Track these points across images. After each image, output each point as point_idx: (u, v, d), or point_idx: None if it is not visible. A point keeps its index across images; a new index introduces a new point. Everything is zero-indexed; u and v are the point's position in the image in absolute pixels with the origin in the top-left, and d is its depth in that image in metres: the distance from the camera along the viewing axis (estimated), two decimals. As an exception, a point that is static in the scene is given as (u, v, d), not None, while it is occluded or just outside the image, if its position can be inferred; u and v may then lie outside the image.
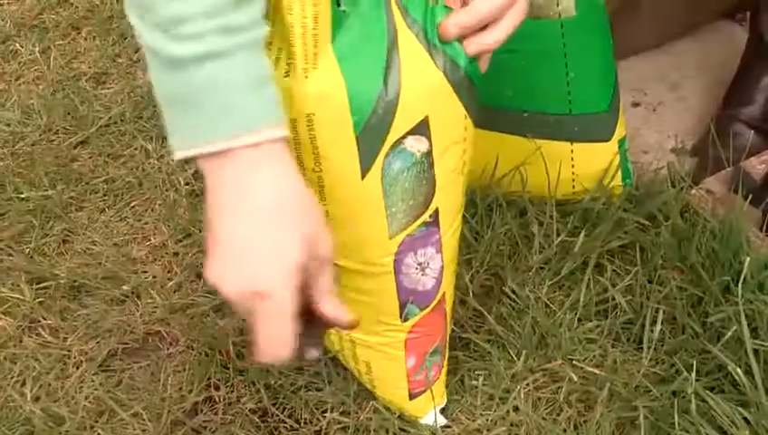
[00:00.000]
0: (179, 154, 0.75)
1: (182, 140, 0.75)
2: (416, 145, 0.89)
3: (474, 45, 0.88)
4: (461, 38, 0.88)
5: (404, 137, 0.88)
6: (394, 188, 0.90)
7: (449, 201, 0.96)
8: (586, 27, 1.15)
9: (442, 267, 0.99)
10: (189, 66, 0.72)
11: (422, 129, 0.89)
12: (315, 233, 0.76)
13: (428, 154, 0.90)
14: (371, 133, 0.86)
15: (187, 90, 0.73)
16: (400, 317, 1.00)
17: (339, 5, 0.83)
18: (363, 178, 0.89)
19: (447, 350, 1.08)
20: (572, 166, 1.23)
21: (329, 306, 0.78)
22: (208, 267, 0.75)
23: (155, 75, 0.74)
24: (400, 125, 0.87)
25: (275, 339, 0.75)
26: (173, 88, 0.74)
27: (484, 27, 0.88)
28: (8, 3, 1.80)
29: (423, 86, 0.87)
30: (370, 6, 0.85)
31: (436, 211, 0.95)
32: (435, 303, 1.01)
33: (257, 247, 0.74)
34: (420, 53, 0.87)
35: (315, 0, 0.81)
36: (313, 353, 0.79)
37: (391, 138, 0.88)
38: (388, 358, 1.03)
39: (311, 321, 0.78)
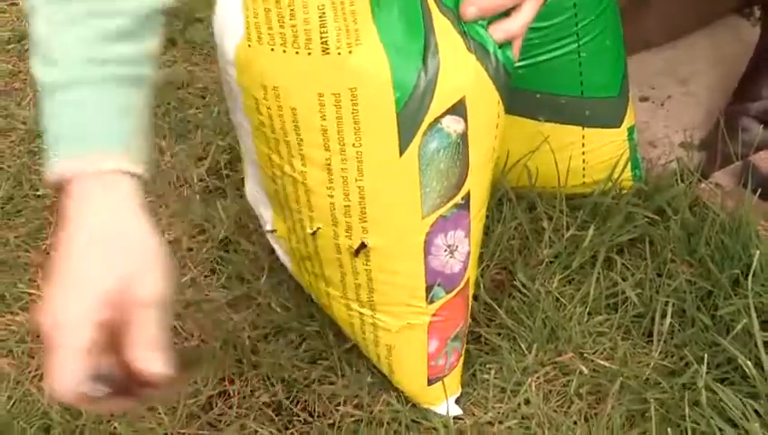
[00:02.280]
0: (48, 174, 0.75)
1: (46, 166, 0.75)
2: (452, 125, 0.90)
3: (499, 32, 0.91)
4: (487, 24, 0.90)
5: (442, 116, 0.89)
6: (430, 167, 0.91)
7: (480, 186, 0.97)
8: (598, 9, 1.15)
9: (469, 252, 0.99)
10: (52, 91, 0.74)
11: (459, 109, 0.90)
12: (135, 274, 0.71)
13: (464, 135, 0.91)
14: (412, 111, 0.87)
15: (47, 112, 0.75)
16: (426, 299, 0.99)
17: None
18: (401, 155, 0.89)
19: (467, 338, 1.08)
20: (583, 153, 1.23)
21: (135, 348, 0.69)
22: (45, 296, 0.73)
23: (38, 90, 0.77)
24: (439, 104, 0.88)
25: (55, 371, 0.68)
26: (40, 105, 0.76)
27: (507, 14, 0.90)
28: (23, 1, 1.80)
29: (460, 67, 0.89)
30: None
31: (468, 194, 0.95)
32: (460, 287, 1.01)
33: (66, 276, 0.71)
34: (455, 37, 0.88)
35: None
36: (94, 389, 0.70)
37: (430, 117, 0.88)
38: (410, 341, 1.03)
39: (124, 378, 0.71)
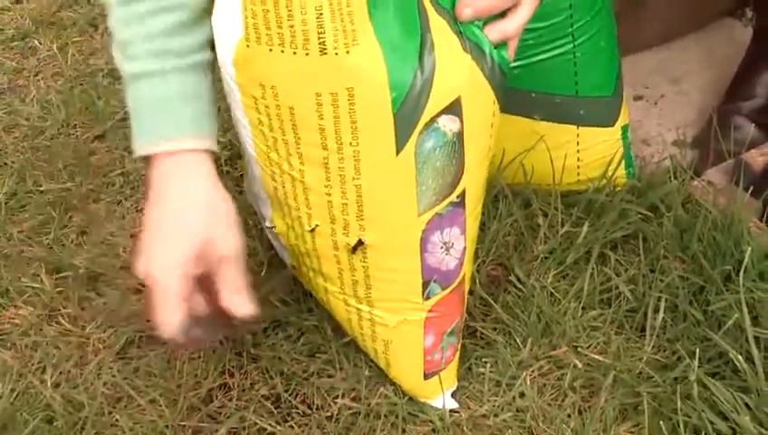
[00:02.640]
0: (137, 152, 0.89)
1: (135, 142, 0.90)
2: (448, 124, 0.90)
3: (495, 32, 0.91)
4: (483, 25, 0.90)
5: (438, 115, 0.89)
6: (426, 166, 0.91)
7: (475, 184, 0.97)
8: (593, 9, 1.15)
9: (465, 248, 0.99)
10: (130, 83, 0.88)
11: (455, 109, 0.90)
12: (216, 236, 0.86)
13: (460, 134, 0.91)
14: (408, 110, 0.87)
15: (131, 103, 0.89)
16: (422, 295, 1.00)
17: None
18: (398, 154, 0.89)
19: (462, 333, 1.08)
20: (578, 151, 1.23)
21: (226, 296, 0.87)
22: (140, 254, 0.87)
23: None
24: (435, 104, 0.88)
25: (162, 317, 0.84)
26: (128, 98, 0.90)
27: (503, 15, 0.90)
28: (27, 1, 1.80)
29: (456, 67, 0.89)
30: None
31: (464, 192, 0.95)
32: (456, 283, 1.01)
33: (157, 240, 0.86)
34: (451, 38, 0.88)
35: None
36: (197, 334, 0.87)
37: (426, 116, 0.89)
38: (407, 336, 1.03)
39: (217, 318, 0.88)
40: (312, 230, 0.98)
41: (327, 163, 0.90)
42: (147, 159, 0.89)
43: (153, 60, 0.87)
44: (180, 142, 0.88)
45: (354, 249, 0.96)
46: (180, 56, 0.88)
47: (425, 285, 0.99)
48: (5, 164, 1.45)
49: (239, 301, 0.87)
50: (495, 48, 0.91)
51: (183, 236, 0.85)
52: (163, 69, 0.87)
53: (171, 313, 0.84)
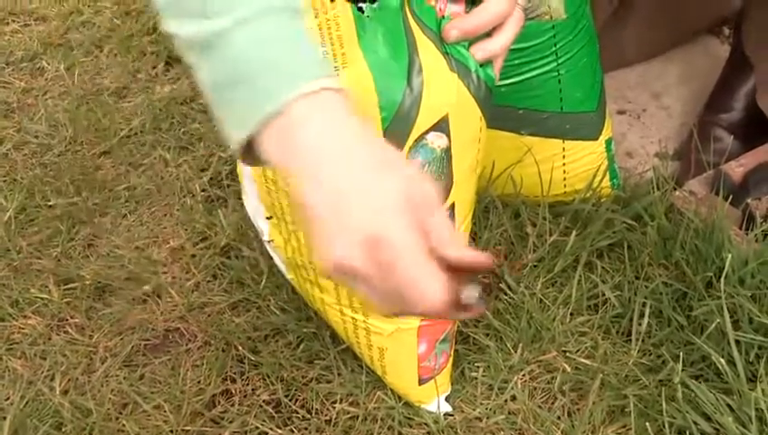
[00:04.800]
0: (237, 136, 0.65)
1: (238, 121, 0.65)
2: (437, 141, 0.89)
3: (481, 52, 0.90)
4: (468, 45, 0.89)
5: (426, 132, 0.89)
6: None
7: (464, 197, 0.96)
8: (575, 29, 1.15)
9: None
10: (228, 36, 0.64)
11: (443, 126, 0.89)
12: (410, 173, 0.63)
13: (448, 150, 0.90)
14: (397, 128, 0.87)
15: (232, 62, 0.65)
16: None
17: (362, 12, 0.84)
18: None
19: (455, 340, 1.07)
20: (564, 164, 1.23)
21: (452, 250, 0.62)
22: (317, 248, 0.63)
23: (200, 68, 0.67)
24: (423, 121, 0.88)
25: (416, 281, 0.60)
26: (218, 69, 0.66)
27: (489, 35, 0.90)
28: (35, 23, 1.80)
29: (443, 86, 0.88)
30: (390, 13, 0.86)
31: (453, 206, 0.95)
32: None
33: (354, 197, 0.61)
34: (438, 58, 0.87)
35: (333, 5, 0.81)
36: (472, 294, 0.62)
37: (415, 133, 0.88)
38: (401, 344, 1.03)
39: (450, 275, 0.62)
40: (308, 244, 0.98)
41: None
42: (266, 129, 0.64)
43: (254, 2, 0.65)
44: (319, 81, 0.64)
45: None
46: None
47: None
48: (15, 180, 1.44)
49: (468, 251, 0.62)
50: (481, 66, 0.91)
51: (384, 177, 0.62)
52: (267, 9, 0.65)
53: (422, 272, 0.60)
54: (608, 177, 1.26)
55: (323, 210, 0.62)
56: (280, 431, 1.07)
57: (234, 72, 0.65)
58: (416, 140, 0.88)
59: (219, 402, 1.11)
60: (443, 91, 0.89)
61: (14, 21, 1.81)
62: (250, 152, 0.67)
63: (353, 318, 1.02)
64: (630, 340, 1.12)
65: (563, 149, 1.22)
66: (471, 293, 0.62)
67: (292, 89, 0.63)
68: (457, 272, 0.62)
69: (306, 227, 0.64)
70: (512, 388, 1.09)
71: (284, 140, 0.63)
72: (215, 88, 0.67)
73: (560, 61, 1.16)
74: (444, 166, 0.91)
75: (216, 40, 0.65)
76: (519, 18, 0.90)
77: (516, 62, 1.14)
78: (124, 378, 1.14)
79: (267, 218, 1.05)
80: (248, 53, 0.64)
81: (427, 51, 0.88)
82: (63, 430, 1.08)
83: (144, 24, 1.74)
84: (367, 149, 0.63)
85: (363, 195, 0.61)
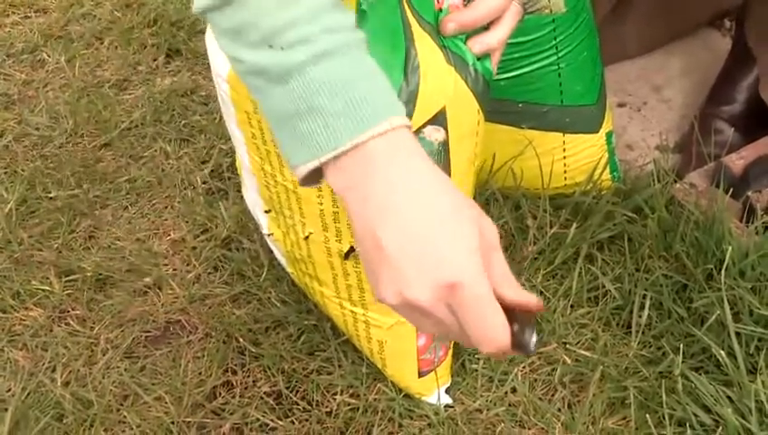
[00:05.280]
0: (306, 167, 0.66)
1: (306, 153, 0.66)
2: (434, 134, 0.89)
3: (478, 45, 0.90)
4: (466, 38, 0.89)
5: (423, 126, 0.88)
6: None
7: (462, 190, 0.96)
8: (575, 23, 1.15)
9: None
10: (305, 70, 0.65)
11: (440, 119, 0.89)
12: (478, 215, 0.66)
13: (445, 144, 0.90)
14: None
15: (305, 96, 0.65)
16: None
17: (360, 4, 0.83)
18: None
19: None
20: (564, 157, 1.23)
21: (510, 291, 0.66)
22: (383, 286, 0.65)
23: (266, 96, 0.68)
24: (420, 115, 0.87)
25: (487, 325, 0.64)
26: (288, 101, 0.66)
27: (486, 28, 0.89)
28: (36, 15, 1.80)
29: (440, 79, 0.88)
30: (388, 5, 0.85)
31: None
32: None
33: (433, 239, 0.64)
34: (435, 51, 0.87)
35: None
36: (532, 338, 0.66)
37: (412, 126, 0.87)
38: (400, 337, 1.02)
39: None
40: (307, 238, 0.97)
41: None
42: (337, 163, 0.66)
43: (329, 36, 0.66)
44: (394, 120, 0.66)
45: (347, 255, 0.96)
46: (351, 30, 0.68)
47: None
48: (16, 172, 1.44)
49: (523, 292, 0.66)
50: (479, 59, 0.90)
51: (460, 221, 0.64)
52: (342, 44, 0.66)
53: (494, 316, 0.64)
54: (608, 169, 1.26)
55: (402, 253, 0.64)
56: (281, 423, 1.07)
57: (305, 105, 0.65)
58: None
59: (220, 394, 1.11)
60: (440, 85, 0.88)
61: (14, 12, 1.81)
62: (310, 178, 0.68)
63: (353, 311, 1.02)
64: (631, 332, 1.12)
65: (564, 142, 1.22)
66: (531, 335, 0.65)
67: (372, 125, 0.65)
68: (509, 311, 0.65)
69: (370, 263, 0.66)
70: (512, 380, 1.09)
71: (360, 174, 0.65)
72: (280, 115, 0.67)
73: (560, 54, 1.15)
74: (441, 159, 0.91)
75: (294, 72, 0.65)
76: (516, 12, 0.89)
77: (516, 55, 1.14)
78: (125, 370, 1.14)
79: (266, 212, 1.05)
80: (323, 89, 0.65)
81: (425, 44, 0.88)
82: (65, 421, 1.08)
83: (145, 16, 1.73)
84: (446, 194, 0.66)
85: (446, 240, 0.64)
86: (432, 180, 0.66)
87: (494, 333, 0.64)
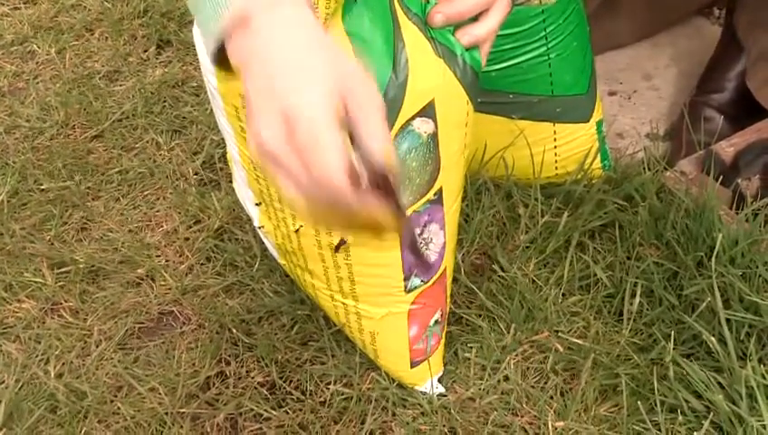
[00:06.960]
0: (212, 45, 0.68)
1: (211, 30, 0.68)
2: (423, 126, 0.89)
3: (467, 37, 0.90)
4: (454, 30, 0.89)
5: (412, 118, 0.88)
6: (402, 167, 0.89)
7: (452, 181, 0.96)
8: (565, 13, 1.14)
9: (444, 243, 0.98)
10: None
11: (429, 111, 0.88)
12: (348, 69, 0.65)
13: (434, 135, 0.90)
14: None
15: None
16: (404, 289, 0.99)
17: None
18: None
19: (446, 322, 1.07)
20: (555, 147, 1.23)
21: (374, 145, 0.63)
22: (248, 136, 0.65)
23: None
24: (409, 107, 0.87)
25: (324, 159, 0.61)
26: None
27: (475, 20, 0.88)
28: (25, 6, 1.78)
29: (429, 71, 0.88)
30: None
31: (440, 190, 0.94)
32: (437, 276, 1.00)
33: (286, 77, 0.63)
34: (423, 43, 0.87)
35: None
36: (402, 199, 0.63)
37: (401, 119, 0.87)
38: (392, 328, 1.03)
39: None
40: (297, 231, 0.97)
41: None
42: (230, 33, 0.67)
43: None
44: None
45: (337, 248, 0.96)
46: None
47: (406, 278, 0.98)
48: (7, 164, 1.43)
49: (387, 148, 0.64)
50: (467, 50, 0.90)
51: (317, 63, 0.63)
52: None
53: (329, 147, 0.61)
54: (599, 158, 1.26)
55: (255, 94, 0.64)
56: (274, 413, 1.07)
57: None
58: (402, 126, 0.88)
59: (214, 384, 1.11)
60: (428, 77, 0.88)
61: (3, 4, 1.80)
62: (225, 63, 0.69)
63: (344, 303, 1.02)
64: (622, 319, 1.12)
65: (554, 132, 1.22)
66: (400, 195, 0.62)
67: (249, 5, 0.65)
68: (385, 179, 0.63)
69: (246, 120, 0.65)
70: (504, 368, 1.09)
71: (242, 41, 0.66)
72: (192, 6, 0.70)
73: (550, 45, 1.15)
74: (431, 151, 0.91)
75: None
76: (505, 4, 0.89)
77: (506, 46, 1.13)
78: (119, 361, 1.14)
79: (256, 205, 1.05)
80: None
81: (413, 36, 0.87)
82: (58, 413, 1.08)
83: (135, 7, 1.73)
84: (315, 39, 0.65)
85: (290, 74, 0.63)
86: (300, 27, 0.66)
87: (326, 166, 0.61)
